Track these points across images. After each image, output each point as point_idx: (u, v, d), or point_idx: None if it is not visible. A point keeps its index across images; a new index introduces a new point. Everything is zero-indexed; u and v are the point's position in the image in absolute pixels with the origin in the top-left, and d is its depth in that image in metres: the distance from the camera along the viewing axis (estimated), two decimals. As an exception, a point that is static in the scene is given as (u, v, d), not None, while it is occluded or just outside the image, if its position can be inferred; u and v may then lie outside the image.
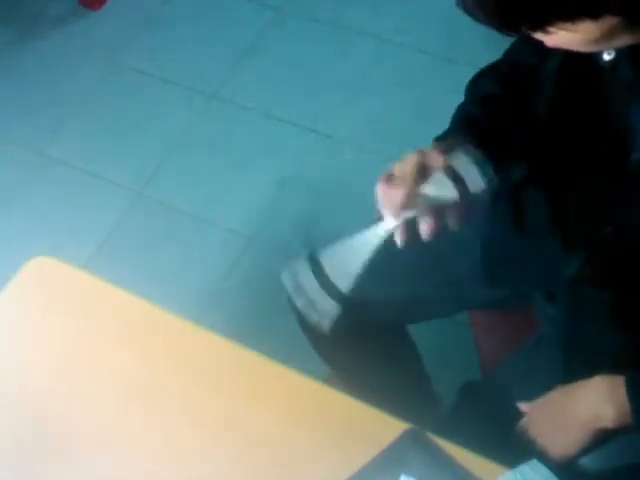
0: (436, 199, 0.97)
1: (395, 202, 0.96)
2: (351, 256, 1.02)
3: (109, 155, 2.33)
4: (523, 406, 1.12)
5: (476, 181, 0.97)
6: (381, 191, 0.99)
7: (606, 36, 0.82)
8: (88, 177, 2.29)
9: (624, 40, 0.84)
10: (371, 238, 1.01)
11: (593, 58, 0.97)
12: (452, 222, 0.98)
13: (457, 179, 0.96)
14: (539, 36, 0.84)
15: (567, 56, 1.01)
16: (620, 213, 1.03)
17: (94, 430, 1.08)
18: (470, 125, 1.11)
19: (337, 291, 1.02)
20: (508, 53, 1.19)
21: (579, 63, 1.00)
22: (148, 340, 1.15)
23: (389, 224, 1.00)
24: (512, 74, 1.17)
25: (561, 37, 0.82)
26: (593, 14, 0.77)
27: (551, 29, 0.79)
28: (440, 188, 0.97)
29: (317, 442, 1.04)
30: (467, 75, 1.21)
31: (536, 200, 1.17)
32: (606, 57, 0.96)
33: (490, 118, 1.12)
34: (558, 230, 1.16)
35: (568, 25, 0.79)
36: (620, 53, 0.94)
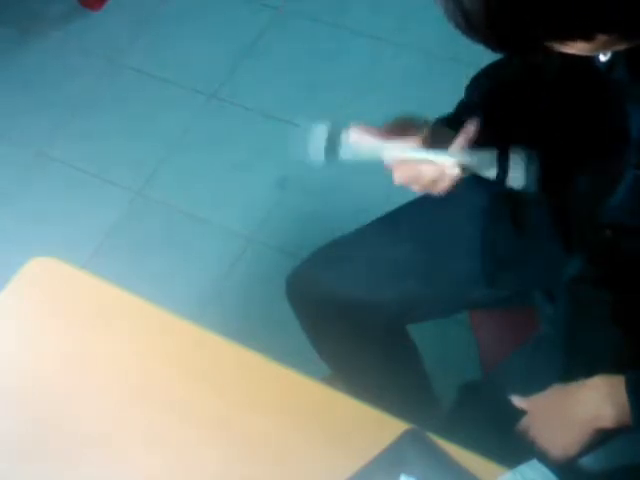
0: (471, 168, 1.02)
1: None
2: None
3: (109, 155, 2.33)
4: (519, 402, 1.12)
5: (517, 179, 1.01)
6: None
7: (601, 48, 0.82)
8: (88, 177, 2.29)
9: (620, 47, 0.84)
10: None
11: (590, 60, 0.97)
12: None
13: (503, 166, 1.02)
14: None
15: (566, 61, 1.02)
16: (617, 214, 1.03)
17: (94, 430, 1.08)
18: (470, 112, 1.12)
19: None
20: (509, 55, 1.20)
21: (578, 64, 1.00)
22: (148, 340, 1.15)
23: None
24: (511, 75, 1.17)
25: (557, 49, 0.83)
26: (586, 37, 0.78)
27: (547, 47, 0.80)
28: (482, 163, 1.02)
29: (317, 442, 1.04)
30: (467, 75, 1.21)
31: (536, 201, 1.18)
32: (602, 58, 0.96)
33: (490, 109, 1.13)
34: (558, 232, 1.16)
35: (562, 45, 0.80)
36: (616, 54, 0.95)
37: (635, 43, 0.84)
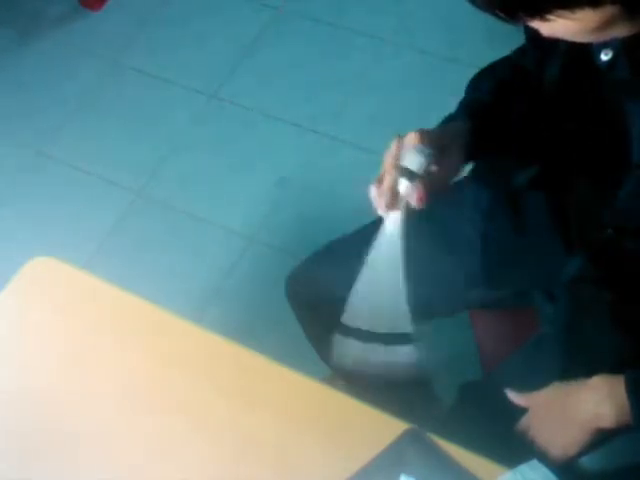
0: (406, 170, 1.04)
1: (384, 198, 1.04)
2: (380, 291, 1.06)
3: (109, 155, 2.33)
4: (517, 398, 1.11)
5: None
6: (374, 195, 1.05)
7: (604, 25, 0.81)
8: (88, 177, 2.29)
9: (622, 30, 0.83)
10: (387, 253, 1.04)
11: (591, 59, 0.97)
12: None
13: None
14: (536, 24, 0.83)
15: (567, 59, 1.02)
16: (620, 215, 1.03)
17: (94, 430, 1.08)
18: (474, 109, 1.13)
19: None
20: (510, 55, 1.20)
21: (578, 65, 1.00)
22: (148, 340, 1.15)
23: (391, 225, 1.02)
24: (512, 77, 1.17)
25: (558, 26, 0.81)
26: (593, 3, 0.77)
27: (549, 17, 0.79)
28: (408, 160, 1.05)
29: (317, 442, 1.04)
30: (468, 75, 1.21)
31: (536, 201, 1.18)
32: (603, 57, 0.96)
33: (496, 105, 1.14)
34: (558, 231, 1.16)
35: (567, 13, 0.78)
36: (617, 53, 0.94)
37: (636, 26, 0.83)
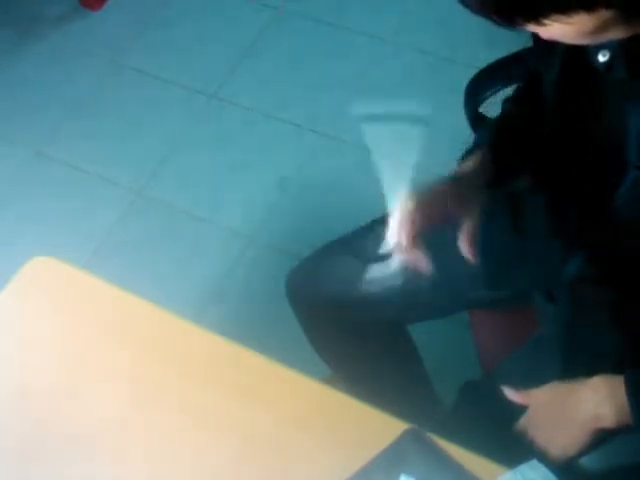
0: None
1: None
2: None
3: (109, 155, 2.33)
4: (516, 397, 1.11)
5: None
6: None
7: (600, 29, 0.81)
8: (88, 177, 2.29)
9: (618, 33, 0.83)
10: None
11: (589, 60, 0.97)
12: None
13: None
14: (533, 28, 0.83)
15: (565, 60, 1.02)
16: (619, 214, 1.03)
17: (94, 430, 1.08)
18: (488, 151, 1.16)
19: None
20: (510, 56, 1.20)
21: (576, 66, 1.00)
22: (148, 340, 1.15)
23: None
24: (513, 78, 1.17)
25: (555, 29, 0.81)
26: (588, 7, 0.77)
27: (545, 21, 0.79)
28: None
29: (317, 442, 1.04)
30: (467, 75, 1.21)
31: (535, 202, 1.18)
32: (601, 58, 0.96)
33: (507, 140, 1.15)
34: (557, 231, 1.16)
35: (563, 17, 0.78)
36: (614, 54, 0.95)
37: (632, 29, 0.83)
